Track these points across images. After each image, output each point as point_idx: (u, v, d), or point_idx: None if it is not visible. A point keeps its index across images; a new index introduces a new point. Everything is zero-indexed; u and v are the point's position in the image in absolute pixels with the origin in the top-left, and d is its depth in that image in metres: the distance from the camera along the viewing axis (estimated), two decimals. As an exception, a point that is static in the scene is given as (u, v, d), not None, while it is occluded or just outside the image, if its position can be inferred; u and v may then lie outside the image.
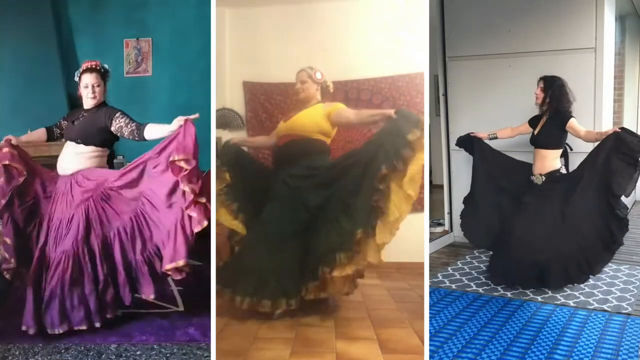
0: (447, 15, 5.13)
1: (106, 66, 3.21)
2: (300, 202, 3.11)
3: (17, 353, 2.87)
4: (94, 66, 3.15)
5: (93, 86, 3.14)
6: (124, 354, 2.89)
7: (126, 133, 3.13)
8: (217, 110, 3.51)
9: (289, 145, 3.22)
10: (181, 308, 3.53)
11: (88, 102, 3.21)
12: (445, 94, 5.22)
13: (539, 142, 3.94)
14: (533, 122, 4.04)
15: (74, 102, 5.23)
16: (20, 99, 4.92)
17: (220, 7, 3.36)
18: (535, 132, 3.95)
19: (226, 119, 3.84)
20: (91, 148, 3.20)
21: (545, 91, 3.86)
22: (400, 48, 3.57)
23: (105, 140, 3.23)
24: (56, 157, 4.87)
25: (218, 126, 3.76)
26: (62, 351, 2.90)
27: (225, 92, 3.73)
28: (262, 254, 3.05)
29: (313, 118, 3.20)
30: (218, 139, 3.78)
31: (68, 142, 3.25)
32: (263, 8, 3.73)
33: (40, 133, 3.34)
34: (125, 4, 5.47)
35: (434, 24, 5.05)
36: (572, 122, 3.83)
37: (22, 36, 5.00)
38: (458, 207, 5.26)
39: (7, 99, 4.88)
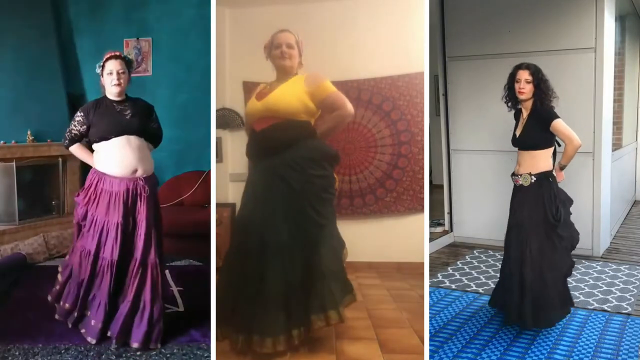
0: (447, 15, 5.14)
1: (130, 57, 3.17)
2: (307, 205, 2.57)
3: (17, 353, 2.86)
4: (118, 54, 3.07)
5: (118, 72, 3.00)
6: (124, 355, 2.88)
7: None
8: (217, 110, 3.51)
9: (272, 131, 2.59)
10: (181, 308, 3.53)
11: (112, 90, 3.01)
12: (445, 94, 5.23)
13: (522, 144, 3.22)
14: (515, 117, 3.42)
15: (74, 101, 5.26)
16: (20, 98, 4.92)
17: (220, 7, 3.35)
18: (517, 133, 3.26)
19: (226, 119, 3.84)
20: (146, 143, 3.11)
21: (533, 82, 3.14)
22: (400, 48, 3.57)
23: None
24: (56, 157, 4.93)
25: (218, 126, 3.76)
26: (62, 351, 2.90)
27: (225, 92, 3.73)
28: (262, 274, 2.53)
29: (298, 95, 2.61)
30: (218, 139, 3.78)
31: (124, 136, 2.99)
32: (263, 8, 3.73)
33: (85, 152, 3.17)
34: (125, 4, 5.47)
35: (434, 24, 5.06)
36: (558, 124, 3.09)
37: (22, 36, 4.99)
38: (458, 207, 5.27)
39: (7, 99, 4.87)
